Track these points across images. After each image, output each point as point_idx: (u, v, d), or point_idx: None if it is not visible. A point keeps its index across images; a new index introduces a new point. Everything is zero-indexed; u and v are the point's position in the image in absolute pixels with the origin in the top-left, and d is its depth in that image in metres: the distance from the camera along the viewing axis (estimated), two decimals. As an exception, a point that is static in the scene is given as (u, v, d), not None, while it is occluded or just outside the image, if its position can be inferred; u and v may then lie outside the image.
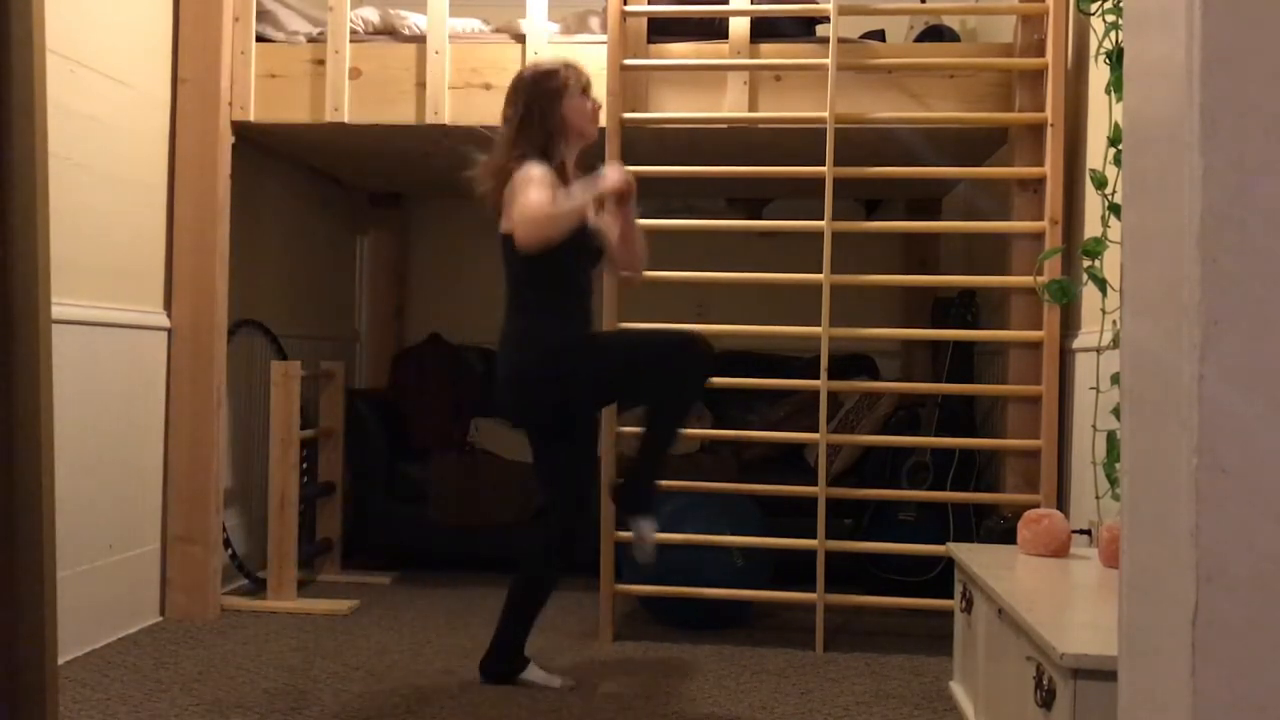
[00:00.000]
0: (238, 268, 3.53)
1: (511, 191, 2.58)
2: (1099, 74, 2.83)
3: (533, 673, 2.78)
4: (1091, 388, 2.73)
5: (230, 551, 3.57)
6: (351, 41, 3.39)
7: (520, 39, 3.37)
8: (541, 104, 2.66)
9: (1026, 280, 3.12)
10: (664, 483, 2.91)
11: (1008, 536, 2.71)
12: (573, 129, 2.70)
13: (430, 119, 3.35)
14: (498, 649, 2.79)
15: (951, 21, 4.07)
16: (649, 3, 3.36)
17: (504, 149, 2.66)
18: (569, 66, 2.73)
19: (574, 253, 2.64)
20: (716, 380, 3.50)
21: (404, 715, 2.51)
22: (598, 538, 3.20)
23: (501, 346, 2.72)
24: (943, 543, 2.95)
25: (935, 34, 3.76)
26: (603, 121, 2.99)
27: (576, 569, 2.94)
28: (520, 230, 2.50)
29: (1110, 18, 2.65)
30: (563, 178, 2.67)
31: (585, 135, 2.74)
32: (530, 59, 3.10)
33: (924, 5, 4.09)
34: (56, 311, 2.33)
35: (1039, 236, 3.14)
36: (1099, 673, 1.57)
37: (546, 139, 2.66)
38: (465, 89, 3.36)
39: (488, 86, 3.35)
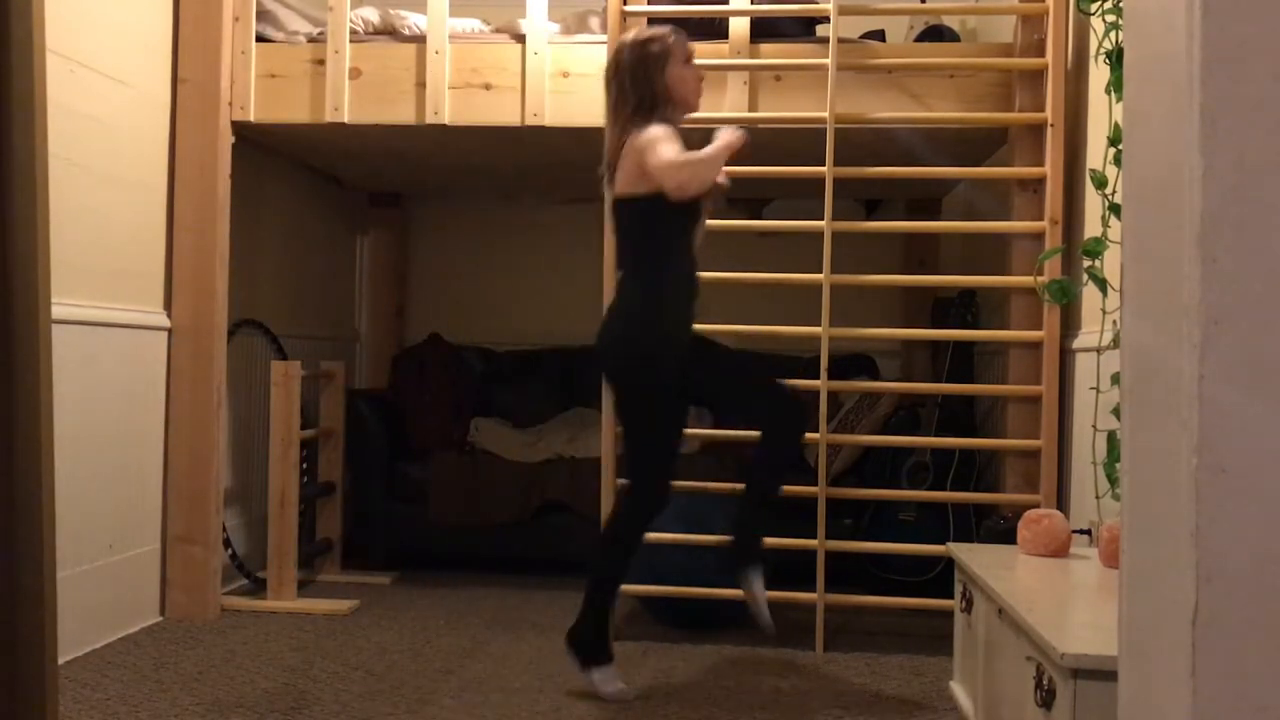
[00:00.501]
0: (238, 268, 3.53)
1: (635, 152, 2.61)
2: (1099, 74, 2.82)
3: (602, 675, 2.67)
4: (1091, 388, 2.73)
5: (230, 551, 3.57)
6: (351, 41, 3.39)
7: (520, 39, 3.37)
8: (646, 70, 2.68)
9: (1026, 280, 3.12)
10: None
11: (1008, 536, 2.70)
12: (676, 97, 2.71)
13: (430, 119, 3.35)
14: (587, 624, 2.71)
15: (951, 21, 4.07)
16: (649, 3, 3.35)
17: (616, 117, 2.70)
18: (673, 34, 2.74)
19: (691, 216, 2.71)
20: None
21: (404, 715, 2.51)
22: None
23: (616, 313, 2.74)
24: (943, 543, 2.95)
25: (935, 34, 3.77)
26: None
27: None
28: (670, 179, 2.55)
29: (1110, 18, 2.65)
30: None
31: (688, 105, 2.76)
32: (632, 32, 2.86)
33: (924, 5, 4.09)
34: (56, 311, 2.33)
35: (1039, 236, 3.14)
36: (1099, 673, 1.56)
37: (653, 105, 2.67)
38: (465, 89, 3.36)
39: (488, 86, 3.35)
